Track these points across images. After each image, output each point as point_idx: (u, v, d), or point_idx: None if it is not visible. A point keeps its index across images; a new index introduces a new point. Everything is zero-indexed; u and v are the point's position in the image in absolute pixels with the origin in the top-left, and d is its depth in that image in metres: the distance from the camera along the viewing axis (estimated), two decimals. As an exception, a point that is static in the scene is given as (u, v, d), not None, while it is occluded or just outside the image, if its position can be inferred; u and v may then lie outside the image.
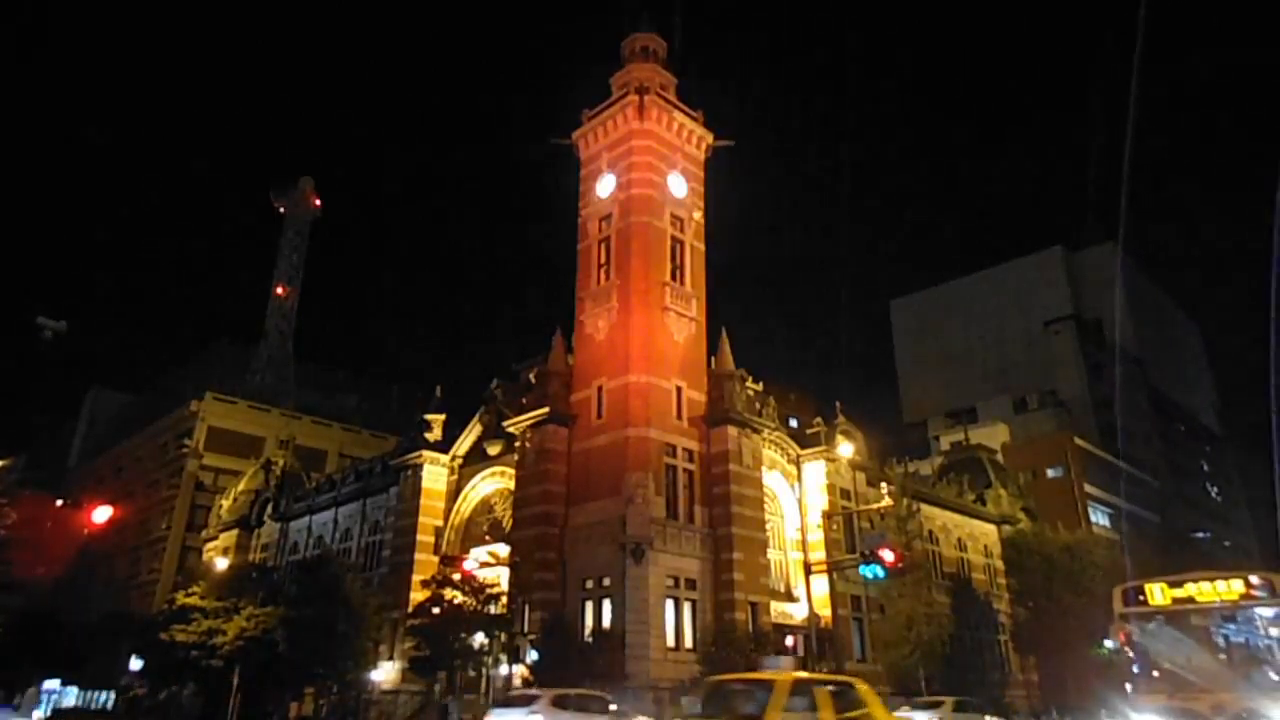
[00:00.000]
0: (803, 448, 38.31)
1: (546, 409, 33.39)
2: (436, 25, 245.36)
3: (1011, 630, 43.76)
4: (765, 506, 34.87)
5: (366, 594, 35.82)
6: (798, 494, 37.83)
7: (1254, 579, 13.46)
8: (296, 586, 33.30)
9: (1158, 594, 14.31)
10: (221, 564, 46.76)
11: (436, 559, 35.41)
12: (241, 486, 57.21)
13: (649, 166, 35.88)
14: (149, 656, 37.84)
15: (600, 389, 33.29)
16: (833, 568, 32.07)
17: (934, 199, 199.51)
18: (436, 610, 29.43)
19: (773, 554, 35.21)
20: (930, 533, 42.92)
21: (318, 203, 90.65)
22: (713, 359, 35.14)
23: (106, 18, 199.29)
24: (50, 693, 54.69)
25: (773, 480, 36.65)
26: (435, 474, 39.95)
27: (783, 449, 37.70)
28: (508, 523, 35.59)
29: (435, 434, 40.48)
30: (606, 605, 29.75)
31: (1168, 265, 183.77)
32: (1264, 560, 72.68)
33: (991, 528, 48.13)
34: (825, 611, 34.30)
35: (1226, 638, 14.10)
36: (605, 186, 36.84)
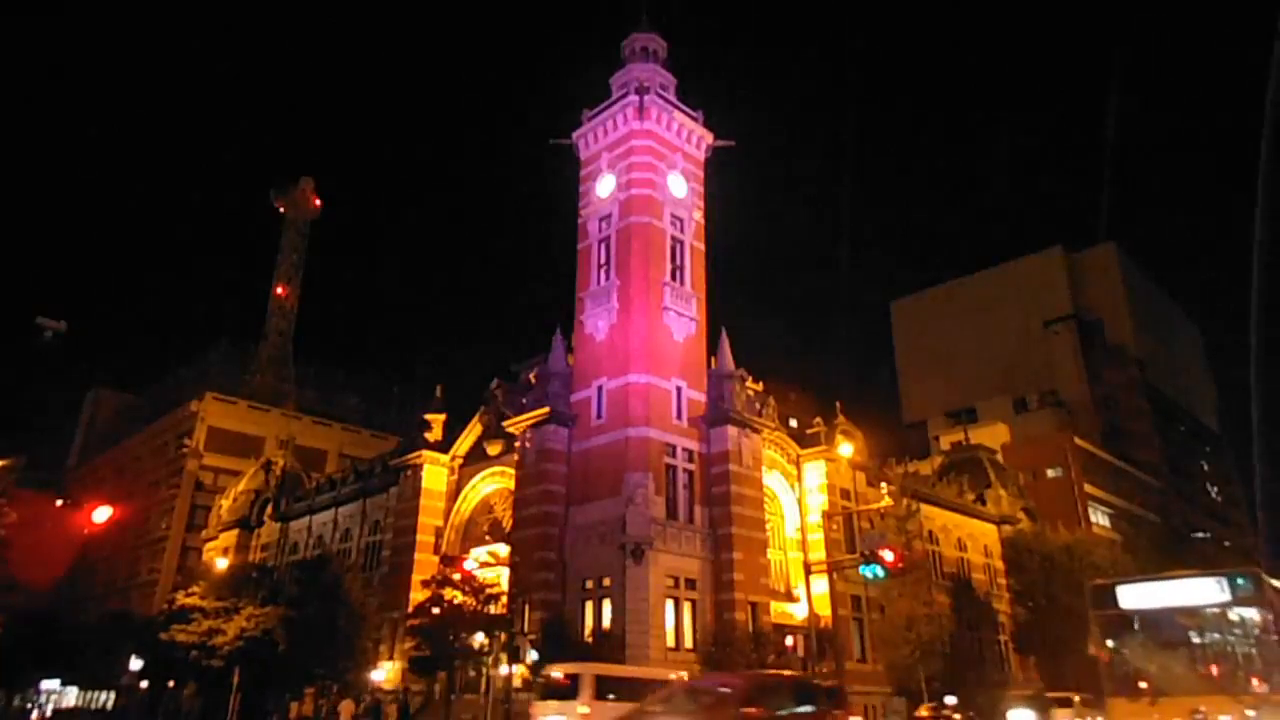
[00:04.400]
0: (803, 448, 38.32)
1: (546, 409, 33.39)
2: (436, 25, 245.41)
3: (1011, 630, 43.75)
4: (765, 506, 34.88)
5: (366, 594, 35.83)
6: (798, 494, 37.83)
7: (1239, 579, 12.41)
8: (296, 586, 33.33)
9: (1131, 595, 13.39)
10: (221, 564, 46.77)
11: (436, 559, 35.42)
12: (241, 486, 57.23)
13: (649, 167, 35.88)
14: (149, 656, 37.87)
15: (600, 389, 33.29)
16: (833, 568, 32.07)
17: (934, 199, 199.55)
18: (436, 610, 29.44)
19: (773, 554, 35.22)
20: (930, 533, 42.92)
21: (318, 203, 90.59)
22: (713, 359, 35.14)
23: (107, 16, 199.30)
24: (50, 692, 54.73)
25: (773, 480, 36.66)
26: (435, 474, 39.94)
27: (783, 449, 37.71)
28: (508, 523, 35.61)
29: (435, 434, 40.48)
30: (606, 605, 29.75)
31: (1168, 265, 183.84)
32: (1266, 561, 72.67)
33: (991, 528, 48.13)
34: (825, 611, 34.30)
35: (1205, 641, 12.96)
36: (605, 186, 36.83)
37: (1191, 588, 12.82)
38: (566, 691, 19.03)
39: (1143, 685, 12.44)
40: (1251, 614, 12.16)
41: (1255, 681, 11.87)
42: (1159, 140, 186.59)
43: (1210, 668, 12.37)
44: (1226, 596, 12.12)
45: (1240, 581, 12.22)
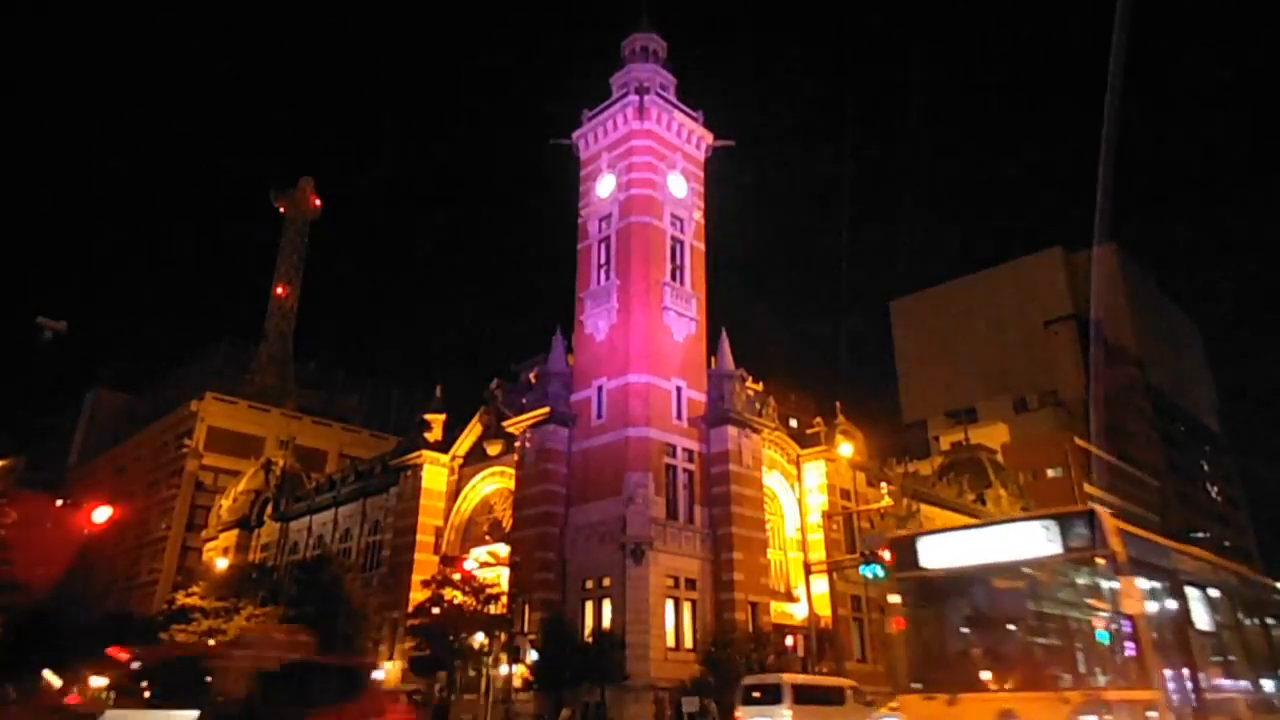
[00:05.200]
0: (803, 448, 38.32)
1: (546, 409, 33.40)
2: (436, 25, 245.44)
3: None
4: (765, 506, 34.89)
5: (366, 594, 35.85)
6: (798, 494, 37.84)
7: (1072, 523, 8.85)
8: (296, 586, 33.34)
9: (934, 550, 9.93)
10: (221, 564, 46.79)
11: (436, 559, 35.46)
12: (241, 486, 57.25)
13: (649, 167, 35.89)
14: (149, 656, 37.81)
15: (600, 389, 33.30)
16: (833, 568, 32.09)
17: (934, 199, 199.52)
18: (436, 610, 29.47)
19: (773, 554, 35.22)
20: (930, 533, 42.88)
21: (318, 203, 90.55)
22: (713, 359, 35.15)
23: (107, 16, 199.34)
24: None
25: (773, 480, 36.67)
26: (435, 474, 39.95)
27: (783, 449, 37.71)
28: (508, 523, 35.62)
29: (435, 434, 40.50)
30: (606, 605, 29.77)
31: (1168, 265, 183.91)
32: (1265, 561, 72.68)
33: (991, 528, 48.08)
34: (825, 611, 34.33)
35: (1030, 614, 9.55)
36: (605, 186, 36.85)
37: (1010, 537, 9.42)
38: (768, 699, 20.70)
39: (947, 676, 9.49)
40: (1091, 573, 8.66)
41: (1090, 672, 8.68)
42: (1159, 140, 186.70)
43: (1033, 651, 9.26)
44: (1057, 548, 8.79)
45: (1074, 526, 8.76)
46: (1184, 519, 74.96)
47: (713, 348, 35.39)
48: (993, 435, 66.11)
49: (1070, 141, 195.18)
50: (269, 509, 52.50)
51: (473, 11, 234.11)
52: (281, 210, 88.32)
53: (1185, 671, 8.80)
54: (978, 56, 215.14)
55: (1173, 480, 77.76)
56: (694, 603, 30.67)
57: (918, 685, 9.50)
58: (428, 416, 41.14)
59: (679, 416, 33.00)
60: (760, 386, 36.97)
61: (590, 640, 28.61)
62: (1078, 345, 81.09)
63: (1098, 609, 8.54)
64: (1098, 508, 8.97)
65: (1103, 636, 8.45)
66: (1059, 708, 8.09)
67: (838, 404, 40.33)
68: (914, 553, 9.97)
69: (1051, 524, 8.91)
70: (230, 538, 53.13)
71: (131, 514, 62.17)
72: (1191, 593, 9.94)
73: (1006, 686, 8.84)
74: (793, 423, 39.53)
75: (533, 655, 28.38)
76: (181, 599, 35.91)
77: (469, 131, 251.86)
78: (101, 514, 24.34)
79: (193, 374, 76.76)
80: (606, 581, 30.05)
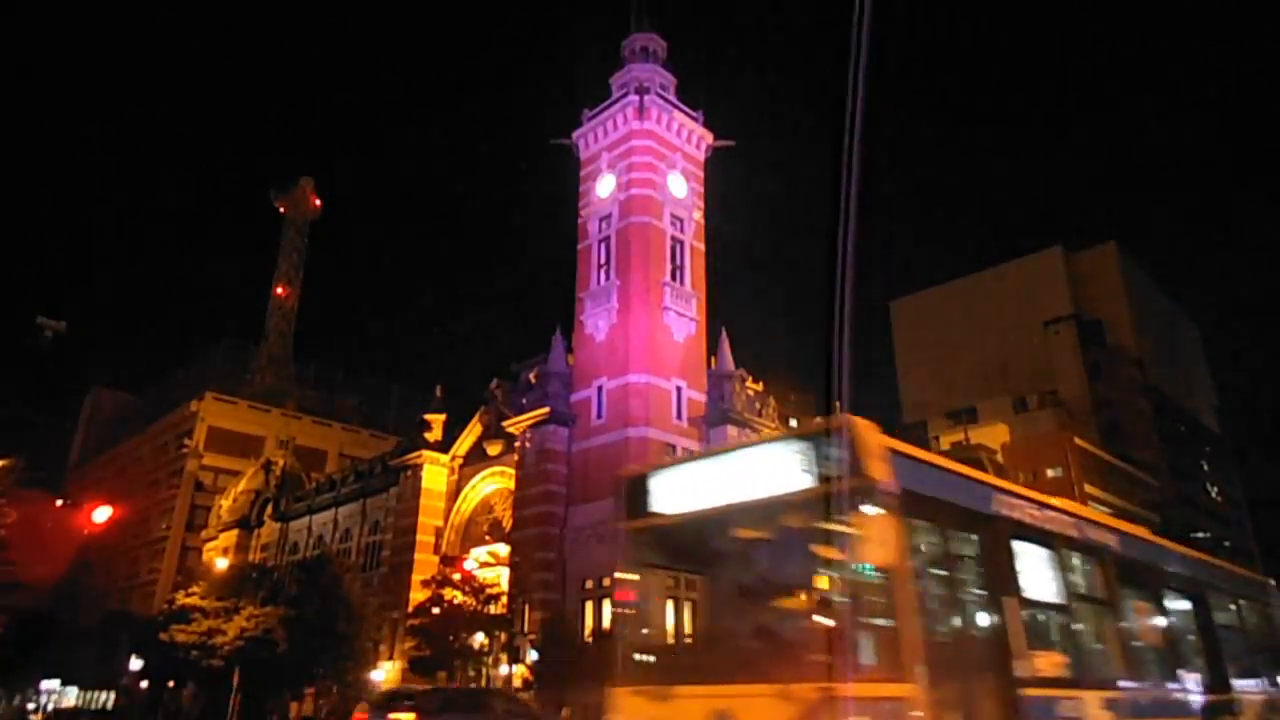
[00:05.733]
0: (803, 448, 38.31)
1: (546, 409, 33.41)
2: (436, 25, 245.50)
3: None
4: (765, 506, 34.85)
5: (366, 594, 35.83)
6: (798, 494, 37.81)
7: (822, 442, 6.28)
8: (296, 586, 33.32)
9: (670, 489, 7.39)
10: (221, 564, 46.77)
11: (436, 559, 35.46)
12: (241, 486, 57.27)
13: (649, 167, 35.90)
14: (149, 656, 37.88)
15: (600, 389, 33.31)
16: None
17: (934, 199, 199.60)
18: (436, 610, 29.48)
19: (773, 554, 35.22)
20: (930, 533, 42.81)
21: (318, 203, 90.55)
22: (713, 359, 35.15)
23: (106, 16, 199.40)
24: (50, 692, 54.73)
25: (773, 480, 36.64)
26: (435, 474, 39.97)
27: (783, 449, 37.70)
28: (508, 523, 35.62)
29: (435, 434, 40.51)
30: (606, 605, 29.77)
31: (1168, 265, 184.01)
32: (1264, 561, 72.71)
33: (991, 528, 48.01)
34: (825, 611, 34.29)
35: (778, 575, 7.06)
36: (605, 187, 36.85)
37: (757, 467, 6.77)
38: None
39: (667, 664, 7.64)
40: (845, 514, 5.96)
41: (838, 658, 5.79)
42: (1160, 140, 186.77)
43: (771, 630, 6.92)
44: (809, 479, 6.30)
45: (824, 447, 6.28)
46: (1184, 519, 74.93)
47: (713, 348, 35.41)
48: (993, 435, 66.04)
49: (1071, 141, 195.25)
50: (269, 509, 52.50)
51: (473, 11, 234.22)
52: (281, 210, 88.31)
53: (991, 660, 6.38)
54: (978, 56, 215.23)
55: (1173, 480, 77.69)
56: (694, 602, 30.64)
57: (639, 663, 7.36)
58: (428, 416, 41.16)
59: (679, 416, 33.01)
60: (760, 386, 36.97)
61: (590, 640, 28.61)
62: (1078, 345, 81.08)
63: (849, 566, 5.87)
64: (855, 419, 6.24)
65: (866, 571, 5.81)
66: (780, 707, 5.82)
67: (837, 404, 40.29)
68: (646, 495, 7.45)
69: (803, 445, 6.46)
70: (230, 538, 53.14)
71: (131, 514, 62.18)
72: (1025, 551, 7.15)
73: (731, 677, 6.52)
74: (793, 423, 39.51)
75: (533, 655, 28.38)
76: (181, 599, 35.88)
77: (469, 131, 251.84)
78: (101, 514, 24.40)
79: (193, 374, 76.79)
80: (606, 581, 30.05)
